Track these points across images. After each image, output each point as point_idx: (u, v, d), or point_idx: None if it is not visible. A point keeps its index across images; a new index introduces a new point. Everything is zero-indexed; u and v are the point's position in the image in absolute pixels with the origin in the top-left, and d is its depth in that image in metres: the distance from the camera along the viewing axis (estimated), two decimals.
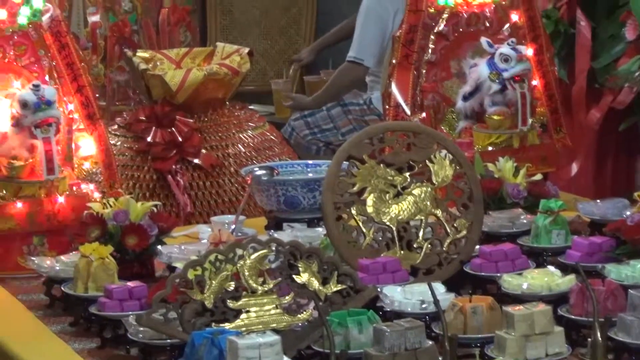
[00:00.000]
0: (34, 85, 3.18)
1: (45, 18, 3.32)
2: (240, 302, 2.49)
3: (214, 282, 2.51)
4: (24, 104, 3.14)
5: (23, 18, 3.28)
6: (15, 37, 3.29)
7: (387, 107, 3.85)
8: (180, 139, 3.45)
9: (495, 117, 3.65)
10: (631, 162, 4.39)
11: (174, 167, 3.45)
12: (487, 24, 3.82)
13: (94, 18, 6.48)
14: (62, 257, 2.93)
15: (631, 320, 2.24)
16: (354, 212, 2.62)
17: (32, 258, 2.99)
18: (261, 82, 7.19)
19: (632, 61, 4.13)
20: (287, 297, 2.49)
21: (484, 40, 3.74)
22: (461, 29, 3.79)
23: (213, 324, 2.44)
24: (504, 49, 3.68)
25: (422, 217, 2.69)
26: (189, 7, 7.05)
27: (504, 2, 3.82)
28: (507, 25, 3.82)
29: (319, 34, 7.01)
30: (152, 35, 6.63)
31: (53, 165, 3.15)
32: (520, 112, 3.68)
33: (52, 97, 3.21)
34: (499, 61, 3.67)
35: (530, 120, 3.69)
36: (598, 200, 3.24)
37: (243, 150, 3.70)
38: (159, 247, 3.01)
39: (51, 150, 3.14)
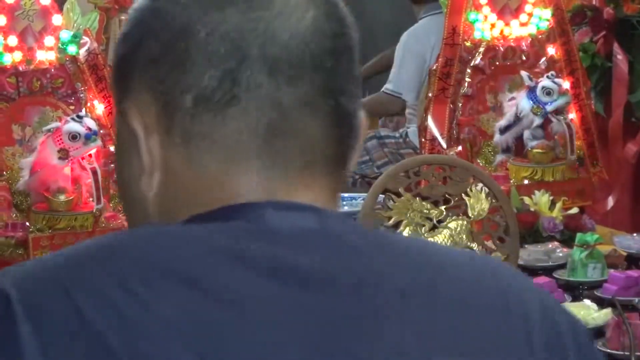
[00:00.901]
0: (77, 116, 3.20)
1: (82, 51, 3.35)
2: None
3: None
4: (74, 136, 3.14)
5: (60, 52, 3.32)
6: (52, 70, 3.32)
7: (423, 140, 3.85)
8: None
9: (538, 151, 3.63)
10: None
11: None
12: (524, 57, 3.81)
13: None
14: None
15: None
16: None
17: None
18: None
19: None
20: None
21: (524, 73, 3.71)
22: (497, 63, 3.78)
23: None
24: (546, 82, 3.63)
25: (460, 240, 2.68)
26: None
27: (540, 36, 3.81)
28: (543, 59, 3.81)
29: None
30: None
31: (100, 194, 3.19)
32: (569, 143, 3.64)
33: (95, 127, 3.22)
34: (542, 94, 3.62)
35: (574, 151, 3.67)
36: (635, 234, 3.23)
37: None
38: None
39: (98, 180, 3.18)
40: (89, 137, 3.16)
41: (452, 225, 2.65)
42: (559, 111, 3.63)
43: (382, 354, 1.14)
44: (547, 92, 3.62)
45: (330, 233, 1.14)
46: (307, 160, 1.13)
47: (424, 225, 2.64)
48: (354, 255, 1.17)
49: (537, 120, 3.64)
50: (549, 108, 3.62)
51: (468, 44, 3.77)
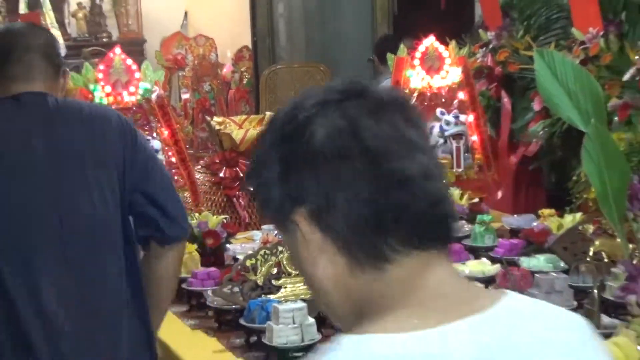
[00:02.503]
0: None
1: (153, 96, 3.37)
2: (280, 281, 2.51)
3: (263, 268, 2.52)
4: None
5: (139, 96, 3.35)
6: (134, 108, 3.33)
7: None
8: (241, 174, 3.46)
9: (442, 162, 3.68)
10: (537, 191, 4.37)
11: (237, 193, 3.45)
12: (443, 100, 3.82)
13: (185, 95, 6.56)
14: None
15: (537, 294, 2.24)
16: None
17: None
18: None
19: (537, 125, 4.12)
20: None
21: (438, 110, 3.76)
22: (425, 103, 3.78)
23: (263, 295, 2.46)
24: (448, 117, 3.75)
25: None
26: (247, 89, 7.09)
27: (454, 86, 3.82)
28: (455, 101, 3.82)
29: None
30: (223, 107, 6.70)
31: None
32: (455, 159, 3.72)
33: (158, 147, 3.27)
34: (444, 125, 3.75)
35: (462, 166, 3.74)
36: (515, 215, 3.25)
37: None
38: (227, 245, 3.02)
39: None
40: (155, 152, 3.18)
41: None
42: (457, 136, 3.73)
43: None
44: (447, 123, 3.76)
45: None
46: None
47: None
48: None
49: (441, 141, 3.75)
50: (446, 134, 3.74)
51: (407, 91, 3.77)
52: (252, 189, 0.99)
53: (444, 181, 1.00)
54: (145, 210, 2.05)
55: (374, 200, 0.91)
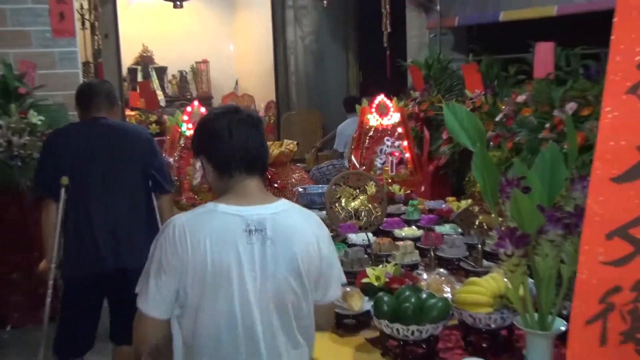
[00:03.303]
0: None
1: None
2: None
3: None
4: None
5: (186, 131, 3.29)
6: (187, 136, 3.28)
7: (349, 165, 3.84)
8: (269, 177, 3.45)
9: (385, 169, 3.69)
10: (445, 186, 4.38)
11: (267, 188, 3.45)
12: (389, 132, 3.82)
13: None
14: None
15: (445, 247, 2.22)
16: (337, 205, 2.62)
17: None
18: (300, 155, 7.04)
19: (445, 147, 4.15)
20: None
21: (386, 138, 3.75)
22: (378, 134, 3.79)
23: None
24: (389, 142, 3.73)
25: (364, 206, 2.66)
26: (272, 126, 7.07)
27: (395, 124, 3.83)
28: (397, 133, 3.82)
29: (325, 134, 6.86)
30: None
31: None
32: (391, 166, 3.70)
33: None
34: (387, 147, 3.73)
35: (395, 171, 3.70)
36: (432, 201, 3.24)
37: (293, 181, 3.64)
38: None
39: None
40: None
41: (362, 197, 2.64)
42: (392, 153, 3.73)
43: None
44: (388, 146, 3.74)
45: None
46: None
47: (351, 196, 2.63)
48: None
49: (383, 156, 3.73)
50: (387, 152, 3.73)
51: (367, 127, 3.78)
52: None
53: (263, 147, 1.36)
54: (156, 178, 2.42)
55: (227, 154, 1.32)
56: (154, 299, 1.23)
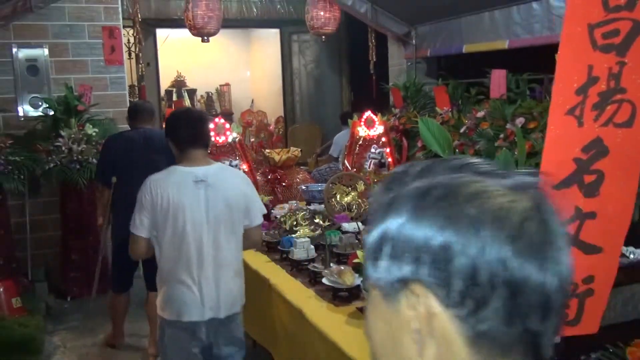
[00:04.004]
0: (230, 163, 3.17)
1: (237, 139, 3.29)
2: (297, 228, 2.48)
3: (288, 221, 2.50)
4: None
5: (230, 139, 3.25)
6: (227, 145, 3.22)
7: (343, 167, 3.81)
8: (279, 177, 3.43)
9: (372, 170, 3.66)
10: None
11: (276, 186, 3.43)
12: (375, 141, 3.80)
13: (252, 139, 6.49)
14: None
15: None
16: (333, 200, 2.60)
17: None
18: (303, 159, 6.99)
19: (420, 153, 4.12)
20: (312, 227, 2.47)
21: (373, 146, 3.72)
22: (367, 143, 3.77)
23: (289, 234, 2.42)
24: (375, 149, 3.69)
25: (355, 200, 2.64)
26: (281, 136, 7.04)
27: (380, 134, 3.81)
28: (381, 141, 3.81)
29: (323, 142, 6.82)
30: (270, 145, 6.60)
31: None
32: (375, 169, 3.65)
33: (238, 163, 3.16)
34: (373, 154, 3.68)
35: (380, 172, 3.66)
36: None
37: (298, 180, 3.61)
38: (272, 210, 2.90)
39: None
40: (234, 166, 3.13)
41: (353, 193, 2.64)
42: (376, 159, 3.68)
43: None
44: (374, 153, 3.67)
45: None
46: None
47: (345, 193, 2.62)
48: None
49: (369, 161, 3.68)
50: (372, 156, 3.67)
51: (357, 137, 3.76)
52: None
53: (205, 131, 1.69)
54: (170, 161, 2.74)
55: (183, 136, 1.72)
56: (140, 225, 1.65)
